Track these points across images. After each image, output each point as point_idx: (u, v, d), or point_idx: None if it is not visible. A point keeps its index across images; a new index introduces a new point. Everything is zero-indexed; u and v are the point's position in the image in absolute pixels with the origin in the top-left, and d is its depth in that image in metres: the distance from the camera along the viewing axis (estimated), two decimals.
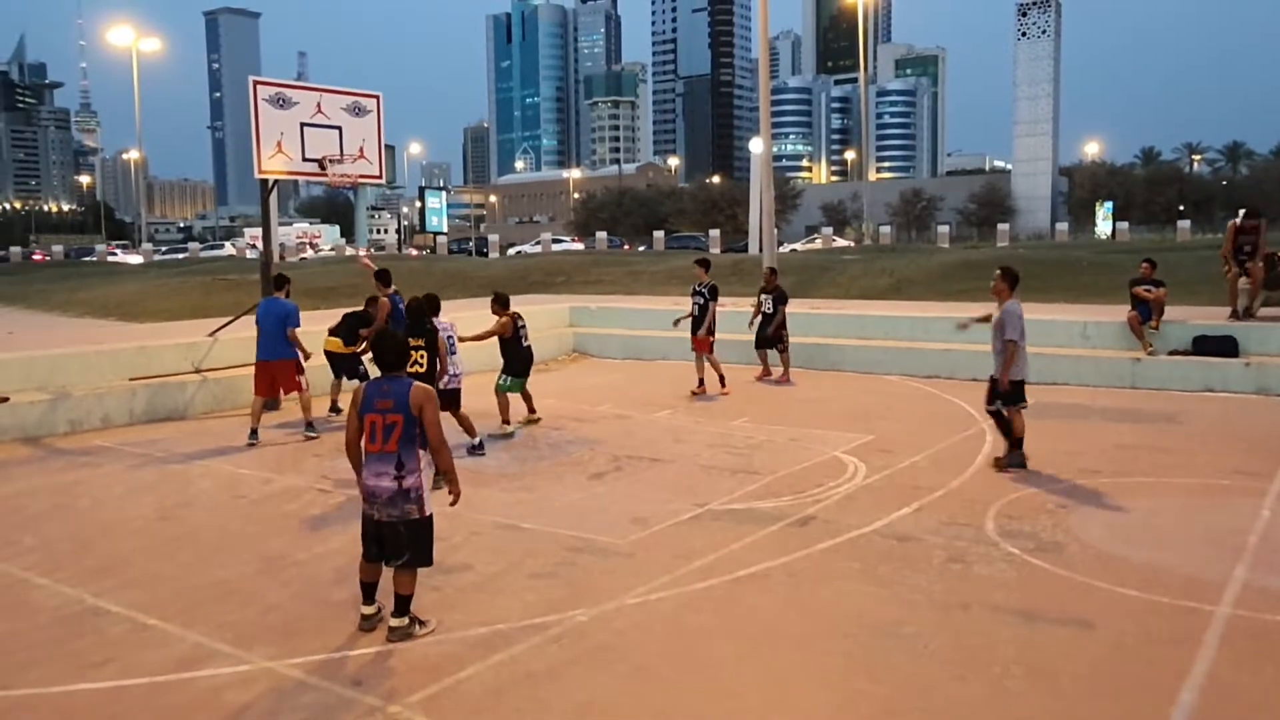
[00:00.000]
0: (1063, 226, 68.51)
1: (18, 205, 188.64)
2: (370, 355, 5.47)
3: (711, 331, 13.46)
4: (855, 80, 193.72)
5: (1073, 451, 9.42)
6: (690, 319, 13.59)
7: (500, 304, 10.99)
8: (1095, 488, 8.14)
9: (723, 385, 13.29)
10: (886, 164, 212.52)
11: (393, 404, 5.11)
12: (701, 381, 13.41)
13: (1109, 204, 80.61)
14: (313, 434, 10.74)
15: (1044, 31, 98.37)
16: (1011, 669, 4.80)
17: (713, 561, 6.40)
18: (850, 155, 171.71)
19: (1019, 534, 6.90)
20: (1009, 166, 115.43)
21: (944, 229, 60.17)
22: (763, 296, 14.42)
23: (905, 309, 17.76)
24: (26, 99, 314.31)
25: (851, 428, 10.72)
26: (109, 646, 5.25)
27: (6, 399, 10.70)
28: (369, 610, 5.42)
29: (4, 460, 9.77)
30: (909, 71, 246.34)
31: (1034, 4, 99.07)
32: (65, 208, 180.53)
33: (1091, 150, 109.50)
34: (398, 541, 5.18)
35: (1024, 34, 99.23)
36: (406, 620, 5.26)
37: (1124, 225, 65.52)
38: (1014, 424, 8.73)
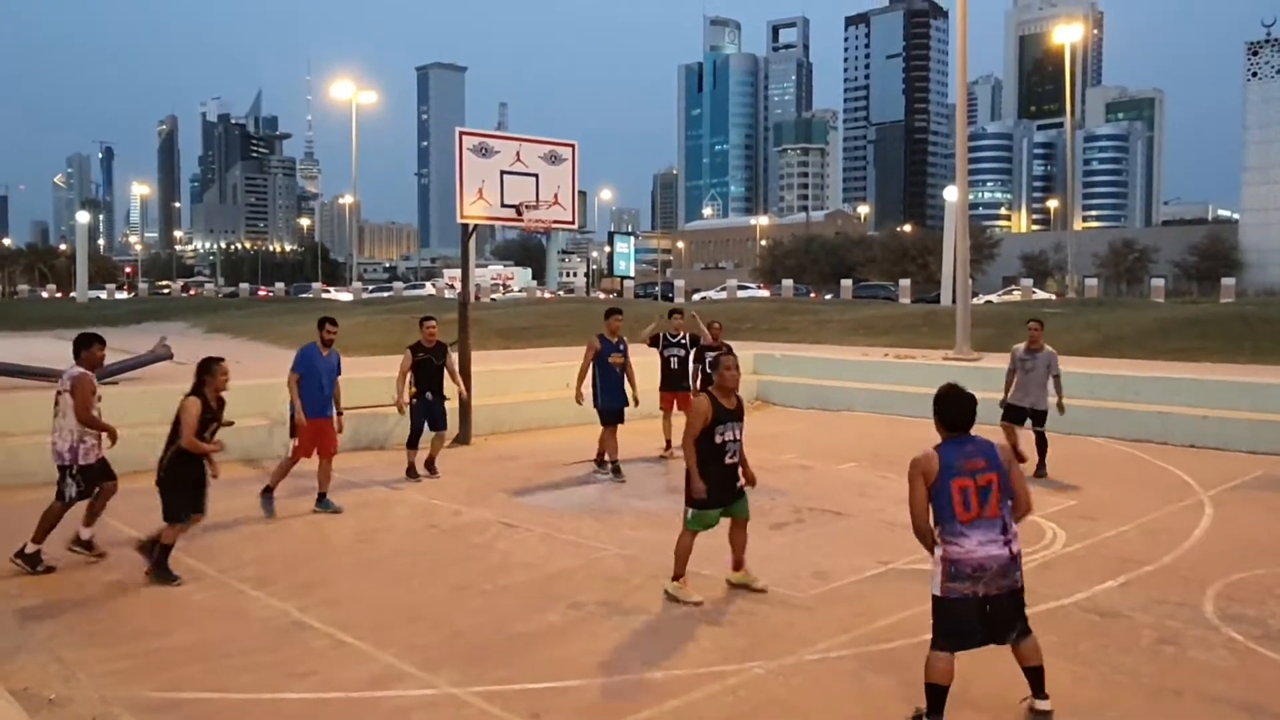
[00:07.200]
0: None
1: (248, 245, 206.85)
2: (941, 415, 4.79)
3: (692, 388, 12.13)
4: (1060, 125, 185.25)
5: None
6: (671, 373, 12.37)
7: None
8: None
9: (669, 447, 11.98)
10: (1094, 213, 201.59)
11: (985, 463, 4.64)
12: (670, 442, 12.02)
13: None
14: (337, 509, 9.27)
15: (1278, 71, 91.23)
16: None
17: (896, 622, 6.16)
18: (1053, 204, 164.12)
19: (1243, 618, 6.28)
20: (1236, 216, 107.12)
21: (1158, 282, 56.23)
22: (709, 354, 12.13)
23: (1112, 367, 16.73)
24: (260, 149, 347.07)
25: (1050, 491, 10.13)
26: (311, 659, 5.58)
27: (232, 423, 11.53)
28: None
29: (229, 479, 10.51)
30: (1120, 115, 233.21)
31: (1266, 41, 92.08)
32: (287, 248, 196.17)
33: None
34: (1008, 616, 4.67)
35: (1254, 74, 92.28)
36: (1048, 700, 4.76)
37: None
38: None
